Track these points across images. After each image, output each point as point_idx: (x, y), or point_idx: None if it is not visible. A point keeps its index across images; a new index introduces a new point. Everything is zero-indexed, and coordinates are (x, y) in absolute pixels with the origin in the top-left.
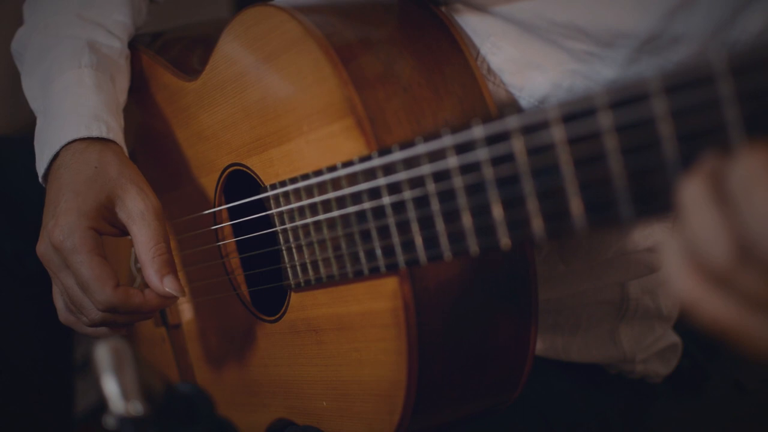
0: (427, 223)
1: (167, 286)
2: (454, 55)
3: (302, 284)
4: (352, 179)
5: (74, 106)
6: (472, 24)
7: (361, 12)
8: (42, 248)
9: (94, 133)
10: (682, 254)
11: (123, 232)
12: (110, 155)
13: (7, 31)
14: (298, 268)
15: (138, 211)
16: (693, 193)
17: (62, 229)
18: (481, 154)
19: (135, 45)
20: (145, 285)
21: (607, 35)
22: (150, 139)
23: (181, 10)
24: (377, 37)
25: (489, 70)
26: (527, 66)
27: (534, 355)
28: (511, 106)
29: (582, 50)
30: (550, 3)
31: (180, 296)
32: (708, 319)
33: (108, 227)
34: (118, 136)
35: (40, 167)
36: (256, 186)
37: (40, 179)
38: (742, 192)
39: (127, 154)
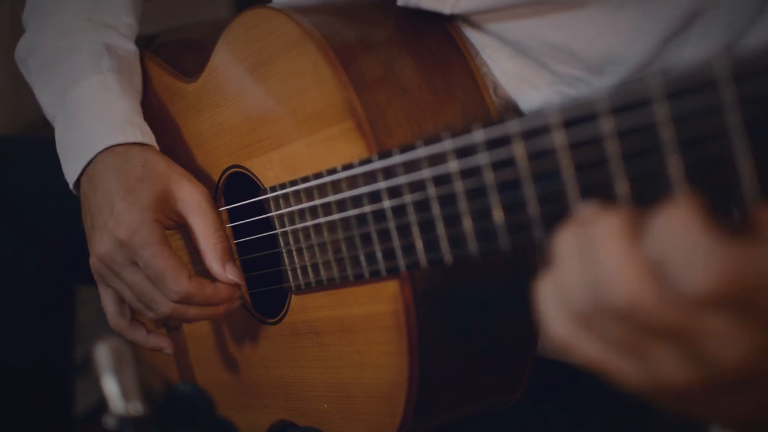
0: (427, 226)
1: (229, 273)
2: (454, 58)
3: (303, 287)
4: (352, 182)
5: (104, 111)
6: (468, 36)
7: (361, 13)
8: (104, 248)
9: (131, 138)
10: (554, 297)
11: (178, 224)
12: (152, 153)
13: (6, 32)
14: (299, 270)
15: (195, 201)
16: (564, 240)
17: (129, 225)
18: (482, 158)
19: None
20: None
21: (598, 61)
22: None
23: (180, 10)
24: (377, 38)
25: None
26: (520, 81)
27: (535, 357)
28: (512, 110)
29: (570, 75)
30: (544, 23)
31: (240, 283)
32: (578, 359)
33: (167, 220)
34: (152, 139)
35: (72, 173)
36: (256, 188)
37: (71, 186)
38: (592, 248)
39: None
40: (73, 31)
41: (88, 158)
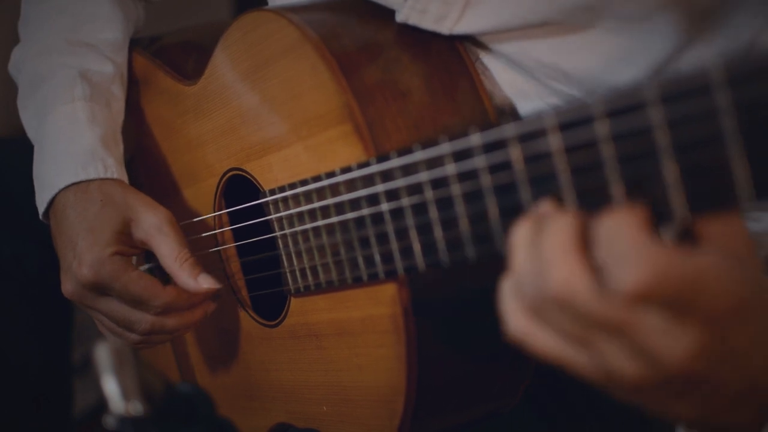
0: (425, 229)
1: (203, 283)
2: (453, 62)
3: (302, 289)
4: (351, 185)
5: (69, 144)
6: (467, 44)
7: (360, 16)
8: (70, 288)
9: (92, 175)
10: (510, 291)
11: (143, 251)
12: (110, 185)
13: (6, 33)
14: (298, 273)
15: (154, 226)
16: (520, 234)
17: (91, 266)
18: (479, 161)
19: (134, 48)
20: None
21: (590, 83)
22: (149, 144)
23: (181, 12)
24: (376, 41)
25: None
26: (516, 90)
27: (534, 360)
28: (509, 114)
29: (565, 93)
30: (538, 44)
31: (217, 287)
32: (535, 350)
33: (129, 249)
34: (116, 171)
35: (40, 205)
36: (255, 191)
37: (41, 217)
38: (540, 242)
39: (127, 181)
40: (52, 54)
41: (51, 194)
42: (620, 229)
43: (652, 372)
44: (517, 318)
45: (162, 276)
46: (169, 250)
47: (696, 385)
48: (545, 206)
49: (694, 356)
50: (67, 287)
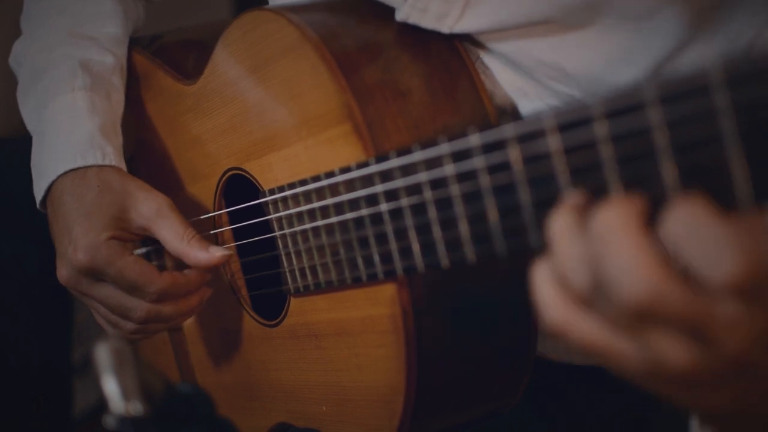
0: (424, 230)
1: (215, 251)
2: (453, 61)
3: (301, 289)
4: (350, 185)
5: (68, 133)
6: (467, 43)
7: (361, 16)
8: (65, 274)
9: (90, 162)
10: (550, 279)
11: (144, 237)
12: (108, 172)
13: (6, 32)
14: (297, 273)
15: (154, 211)
16: (561, 223)
17: (86, 251)
18: (478, 162)
19: (133, 47)
20: None
21: (589, 82)
22: (149, 143)
23: (181, 12)
24: (376, 41)
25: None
26: (514, 91)
27: (534, 360)
28: (510, 114)
29: (565, 93)
30: (538, 43)
31: (230, 253)
32: (577, 340)
33: (126, 235)
34: (114, 159)
35: (37, 194)
36: (255, 190)
37: (38, 205)
38: (601, 238)
39: (126, 170)
40: (54, 46)
41: (49, 181)
42: (700, 220)
43: (706, 359)
44: (558, 307)
45: (157, 265)
46: (172, 233)
47: (745, 372)
48: (579, 194)
49: (754, 342)
50: (63, 273)
